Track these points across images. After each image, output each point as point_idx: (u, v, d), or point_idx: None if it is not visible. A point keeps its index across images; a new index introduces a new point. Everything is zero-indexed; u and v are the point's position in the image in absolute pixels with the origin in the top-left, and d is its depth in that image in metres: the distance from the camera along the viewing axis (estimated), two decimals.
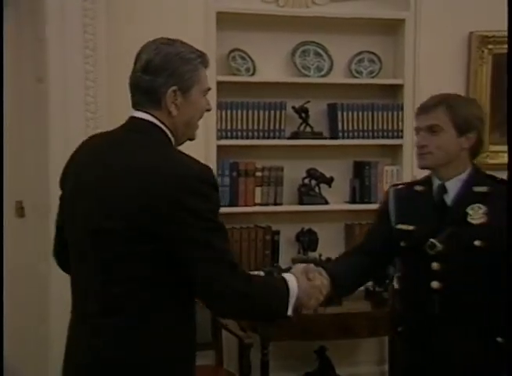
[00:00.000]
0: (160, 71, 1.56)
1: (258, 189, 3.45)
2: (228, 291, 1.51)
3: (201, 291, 1.53)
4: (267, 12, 3.38)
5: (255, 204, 3.45)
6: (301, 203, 3.52)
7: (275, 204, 3.48)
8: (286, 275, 1.67)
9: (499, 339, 1.88)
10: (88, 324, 1.58)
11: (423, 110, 1.98)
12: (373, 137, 3.55)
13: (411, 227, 1.98)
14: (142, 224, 1.48)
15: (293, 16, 3.42)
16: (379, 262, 2.14)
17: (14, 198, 3.22)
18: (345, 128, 3.51)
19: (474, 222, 1.89)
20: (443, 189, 1.96)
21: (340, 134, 3.51)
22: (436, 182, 1.98)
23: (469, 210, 1.90)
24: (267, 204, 3.47)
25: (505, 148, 3.34)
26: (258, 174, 3.45)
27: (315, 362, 3.43)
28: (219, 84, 3.28)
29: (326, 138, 3.56)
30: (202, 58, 1.62)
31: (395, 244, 2.01)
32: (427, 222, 1.94)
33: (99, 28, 2.93)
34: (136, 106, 1.60)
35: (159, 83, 1.56)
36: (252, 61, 3.46)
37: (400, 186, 2.12)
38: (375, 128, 3.54)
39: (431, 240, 1.91)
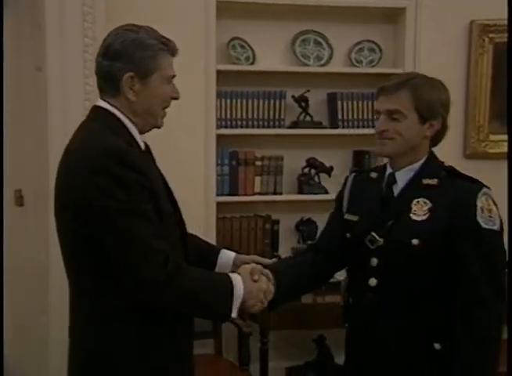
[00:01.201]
0: (118, 57, 1.56)
1: (258, 179, 3.45)
2: (141, 279, 1.46)
3: (116, 278, 1.50)
4: (267, 1, 3.36)
5: (255, 194, 3.45)
6: (300, 192, 3.52)
7: (275, 193, 3.48)
8: (232, 275, 1.61)
9: (436, 345, 1.76)
10: (70, 304, 1.62)
11: (384, 91, 1.81)
12: (373, 126, 3.51)
13: (356, 218, 1.86)
14: (72, 205, 1.51)
15: (293, 4, 3.40)
16: (334, 260, 1.95)
17: (13, 187, 3.22)
18: (345, 117, 3.50)
19: (416, 218, 1.75)
20: (393, 179, 1.83)
21: (340, 123, 3.51)
22: (388, 171, 1.85)
23: (413, 205, 1.76)
24: (266, 193, 3.47)
25: (505, 137, 3.37)
26: (258, 163, 3.45)
27: (315, 351, 3.45)
28: (219, 73, 3.27)
29: (325, 127, 3.55)
30: (166, 45, 1.60)
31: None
32: (371, 214, 1.82)
33: (98, 17, 2.91)
34: (100, 93, 1.62)
35: (116, 68, 1.56)
36: (252, 50, 3.45)
37: (360, 173, 1.99)
38: (375, 117, 3.53)
39: (372, 233, 1.79)
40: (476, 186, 1.77)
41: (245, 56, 3.44)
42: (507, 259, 1.82)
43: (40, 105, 2.95)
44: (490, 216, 1.73)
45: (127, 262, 1.47)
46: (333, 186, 3.55)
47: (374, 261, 1.80)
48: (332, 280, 3.28)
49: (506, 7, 2.36)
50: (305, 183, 3.52)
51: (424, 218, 1.75)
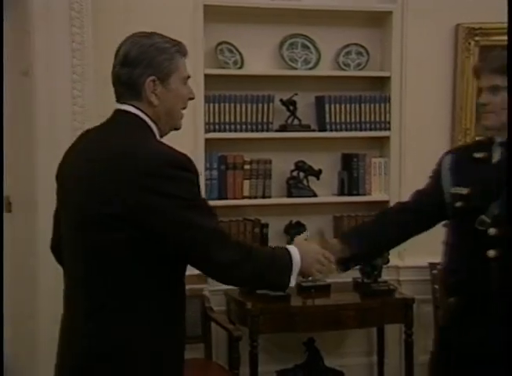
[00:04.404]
0: (137, 63, 1.59)
1: (247, 182, 3.45)
2: (221, 261, 1.53)
3: (200, 267, 1.57)
4: (254, 5, 3.37)
5: (244, 197, 3.45)
6: (289, 195, 3.53)
7: (264, 196, 3.48)
8: (288, 247, 1.70)
9: None
10: (76, 318, 1.59)
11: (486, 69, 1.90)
12: (361, 129, 3.56)
13: (466, 190, 1.91)
14: (115, 211, 1.49)
15: (281, 8, 3.42)
16: (423, 221, 2.06)
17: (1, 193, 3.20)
18: (333, 120, 3.52)
19: None
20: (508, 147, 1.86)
21: (328, 126, 3.52)
22: (498, 140, 1.90)
23: None
24: (255, 197, 3.47)
25: None
26: (247, 167, 3.45)
27: (304, 354, 3.45)
28: (207, 77, 3.27)
29: (314, 130, 3.56)
30: (178, 47, 1.64)
31: (447, 208, 1.95)
32: (487, 185, 1.87)
33: (85, 21, 2.90)
34: (120, 99, 1.63)
35: (137, 74, 1.59)
36: (240, 54, 3.45)
37: (455, 152, 2.06)
38: (363, 120, 3.55)
39: (491, 204, 1.83)
40: None
41: (233, 60, 3.45)
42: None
43: (27, 110, 2.94)
44: None
45: (208, 252, 1.53)
46: (321, 189, 3.56)
47: (492, 230, 1.84)
48: (320, 283, 3.29)
49: (506, 7, 2.37)
50: (294, 186, 3.53)
51: None
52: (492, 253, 1.84)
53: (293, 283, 1.65)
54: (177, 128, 1.70)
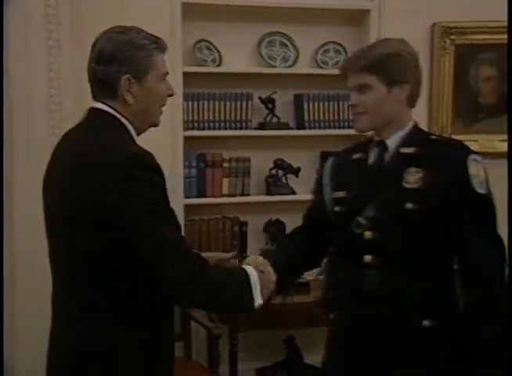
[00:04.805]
0: (112, 60, 1.55)
1: (226, 180, 3.45)
2: (174, 276, 1.47)
3: (150, 279, 1.49)
4: (233, 3, 3.37)
5: (223, 195, 3.45)
6: (268, 193, 3.54)
7: (243, 194, 3.48)
8: (244, 266, 1.65)
9: (425, 322, 1.71)
10: (64, 319, 1.58)
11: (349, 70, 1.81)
12: (339, 127, 3.57)
13: (344, 194, 1.83)
14: (90, 213, 1.47)
15: (259, 6, 3.42)
16: (318, 237, 1.93)
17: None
18: (311, 118, 3.53)
19: (408, 186, 1.72)
20: (383, 146, 1.80)
21: (307, 124, 3.53)
22: (376, 139, 1.83)
23: (405, 173, 1.73)
24: (234, 195, 3.47)
25: (467, 137, 3.44)
26: (226, 165, 3.45)
27: (284, 351, 3.46)
28: (185, 75, 3.26)
29: (292, 128, 3.57)
30: (157, 43, 1.60)
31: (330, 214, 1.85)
32: (362, 187, 1.79)
33: (62, 19, 2.88)
34: (95, 97, 1.60)
35: (112, 72, 1.55)
36: (218, 52, 3.45)
37: (336, 156, 1.96)
38: (341, 118, 3.57)
39: (367, 205, 1.75)
40: (464, 153, 1.76)
41: (211, 57, 3.44)
42: (507, 258, 1.79)
43: (4, 108, 2.91)
44: (480, 181, 1.72)
45: (162, 263, 1.46)
46: (300, 186, 3.57)
47: (368, 234, 1.75)
48: (301, 280, 3.28)
49: (506, 7, 2.40)
50: (273, 184, 3.53)
51: (415, 186, 1.72)
52: (368, 258, 1.74)
53: (258, 300, 1.59)
54: (155, 125, 1.66)
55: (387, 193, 1.76)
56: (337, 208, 1.85)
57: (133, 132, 1.61)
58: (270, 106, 3.51)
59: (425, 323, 1.72)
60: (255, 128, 3.51)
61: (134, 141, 1.59)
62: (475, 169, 1.72)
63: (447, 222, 1.73)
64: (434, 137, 1.86)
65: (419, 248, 1.73)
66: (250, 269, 1.62)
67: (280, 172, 3.55)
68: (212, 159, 3.43)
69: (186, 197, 3.36)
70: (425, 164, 1.74)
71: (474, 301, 1.72)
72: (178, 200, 3.28)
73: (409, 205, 1.71)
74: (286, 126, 3.55)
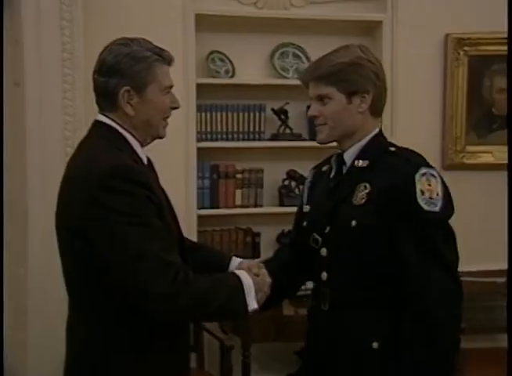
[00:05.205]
0: (112, 72, 1.55)
1: (239, 192, 3.46)
2: (151, 291, 1.43)
3: (123, 295, 1.46)
4: (245, 14, 3.38)
5: (235, 206, 3.45)
6: (281, 204, 3.53)
7: (256, 205, 3.48)
8: (236, 271, 1.63)
9: (374, 345, 1.65)
10: (69, 318, 1.62)
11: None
12: None
13: (308, 208, 1.80)
14: (70, 223, 1.50)
15: (272, 17, 3.43)
16: (303, 253, 1.84)
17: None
18: None
19: (355, 203, 1.66)
20: (341, 160, 1.74)
21: None
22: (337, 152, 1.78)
23: (356, 189, 1.66)
24: (247, 206, 3.47)
25: (481, 148, 3.44)
26: (238, 176, 3.45)
27: (297, 363, 3.44)
28: (198, 86, 3.28)
29: (305, 139, 3.57)
30: (160, 55, 1.59)
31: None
32: (321, 202, 1.75)
33: (76, 31, 2.90)
34: (99, 108, 1.62)
35: (112, 84, 1.56)
36: (231, 63, 3.46)
37: (316, 168, 1.91)
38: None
39: (322, 221, 1.70)
40: (413, 167, 1.65)
41: (224, 69, 3.45)
42: (458, 282, 1.66)
43: (18, 120, 2.93)
44: (431, 197, 1.61)
45: (137, 277, 1.43)
46: None
47: (324, 251, 1.71)
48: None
49: (506, 7, 2.40)
50: (286, 195, 3.53)
51: (361, 202, 1.65)
52: (324, 275, 1.71)
53: (253, 305, 1.55)
54: (160, 137, 1.65)
55: (339, 209, 1.70)
56: (304, 223, 1.81)
57: (136, 144, 1.60)
58: (283, 117, 3.51)
59: (375, 345, 1.64)
60: (268, 140, 3.51)
61: (133, 153, 1.58)
62: (424, 184, 1.61)
63: (390, 241, 1.62)
64: (391, 148, 1.75)
65: (368, 267, 1.65)
66: (243, 274, 1.59)
67: (293, 183, 3.55)
68: (225, 170, 3.44)
69: (199, 207, 3.37)
70: (375, 178, 1.66)
71: (413, 338, 1.58)
72: (191, 211, 3.29)
73: (353, 223, 1.65)
74: (298, 137, 3.55)
